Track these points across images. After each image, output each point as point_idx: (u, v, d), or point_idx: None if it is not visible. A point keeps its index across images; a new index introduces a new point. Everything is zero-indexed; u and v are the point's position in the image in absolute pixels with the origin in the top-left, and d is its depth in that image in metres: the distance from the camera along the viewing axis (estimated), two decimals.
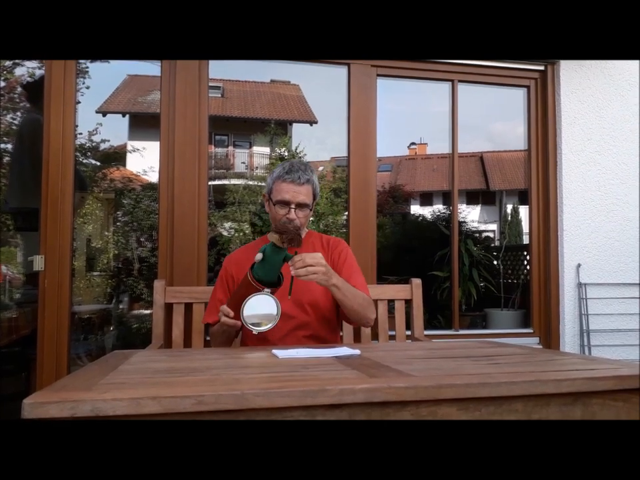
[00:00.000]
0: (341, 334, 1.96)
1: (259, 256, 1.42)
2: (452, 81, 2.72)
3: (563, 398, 0.96)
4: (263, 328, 1.42)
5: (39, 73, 4.28)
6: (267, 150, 11.68)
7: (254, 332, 1.41)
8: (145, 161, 6.78)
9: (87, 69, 4.52)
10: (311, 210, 1.75)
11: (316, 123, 12.66)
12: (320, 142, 14.25)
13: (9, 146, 4.00)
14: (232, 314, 1.49)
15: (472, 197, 17.23)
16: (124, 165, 7.10)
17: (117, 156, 6.84)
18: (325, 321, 1.73)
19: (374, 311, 1.74)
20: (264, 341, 1.63)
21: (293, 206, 1.69)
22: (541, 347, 2.70)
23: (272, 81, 13.71)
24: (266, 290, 1.42)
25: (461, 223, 5.54)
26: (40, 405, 0.77)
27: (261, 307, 1.41)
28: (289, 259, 1.42)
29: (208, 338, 2.02)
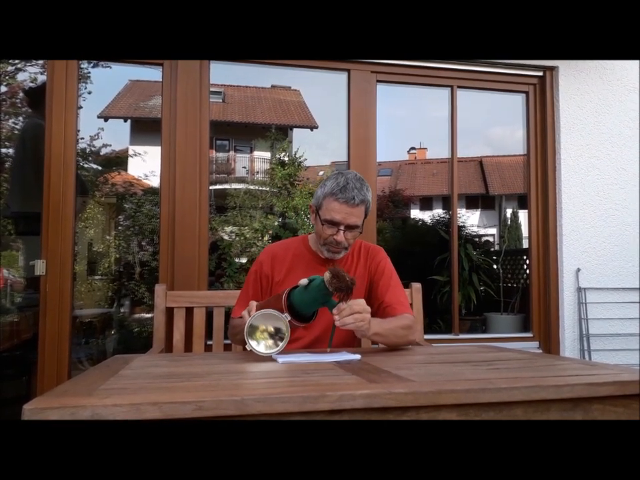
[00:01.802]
0: None
1: (304, 281, 1.29)
2: (451, 86, 2.73)
3: (563, 404, 0.96)
4: (261, 351, 1.26)
5: (40, 78, 4.30)
6: (267, 155, 11.69)
7: (247, 347, 1.26)
8: (146, 165, 6.80)
9: (88, 74, 4.54)
10: (361, 230, 1.63)
11: (316, 128, 12.69)
12: (320, 147, 14.29)
13: (11, 151, 4.01)
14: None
15: (471, 202, 17.24)
16: (125, 169, 7.12)
17: (119, 160, 6.86)
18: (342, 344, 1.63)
19: (415, 330, 1.60)
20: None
21: (342, 227, 1.56)
22: (540, 351, 2.70)
23: (273, 87, 13.75)
24: (286, 315, 1.28)
25: (460, 228, 5.54)
26: (40, 411, 0.77)
27: (269, 325, 1.28)
28: (332, 304, 1.29)
29: (210, 342, 2.03)
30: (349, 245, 1.62)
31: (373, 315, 1.58)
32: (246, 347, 1.27)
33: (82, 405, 0.78)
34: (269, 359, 1.26)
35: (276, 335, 1.28)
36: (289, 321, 1.29)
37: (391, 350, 1.50)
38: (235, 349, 1.90)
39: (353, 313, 1.28)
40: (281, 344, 1.27)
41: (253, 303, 1.40)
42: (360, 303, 1.32)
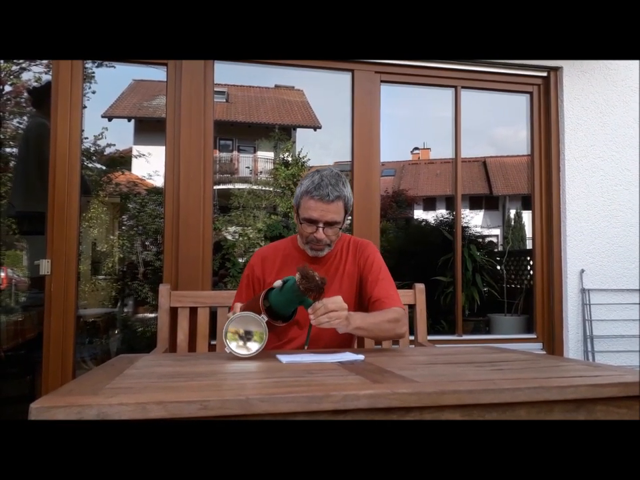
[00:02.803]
0: None
1: (278, 283, 1.33)
2: (455, 87, 2.73)
3: (566, 405, 0.96)
4: (246, 353, 1.29)
5: (44, 77, 4.32)
6: (271, 155, 11.72)
7: (226, 349, 1.29)
8: (150, 165, 6.82)
9: (93, 74, 4.55)
10: (341, 226, 1.63)
11: (320, 128, 12.70)
12: (324, 147, 14.30)
13: (15, 150, 4.03)
14: None
15: (475, 202, 17.20)
16: (129, 169, 7.14)
17: (123, 160, 6.87)
18: (337, 344, 1.65)
19: (404, 324, 1.59)
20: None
21: (321, 225, 1.57)
22: (544, 352, 2.69)
23: (276, 87, 13.78)
24: (262, 316, 1.32)
25: (464, 228, 5.53)
26: (47, 409, 0.78)
27: (250, 327, 1.31)
28: (307, 304, 1.32)
29: (214, 342, 2.03)
30: (330, 241, 1.62)
31: (364, 309, 1.63)
32: (225, 349, 1.30)
33: (88, 403, 0.79)
34: (274, 358, 1.27)
35: (255, 335, 1.31)
36: (267, 322, 1.32)
37: (394, 351, 1.50)
38: None
39: (327, 311, 1.30)
40: (259, 345, 1.30)
41: (238, 306, 1.44)
42: (335, 301, 1.32)
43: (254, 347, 1.30)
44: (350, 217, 2.58)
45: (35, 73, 4.56)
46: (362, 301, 1.69)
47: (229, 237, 6.52)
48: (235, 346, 1.29)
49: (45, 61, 4.02)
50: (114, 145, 6.45)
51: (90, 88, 4.73)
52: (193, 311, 2.00)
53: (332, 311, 1.30)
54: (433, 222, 6.63)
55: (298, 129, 12.92)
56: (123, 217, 6.27)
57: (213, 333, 1.99)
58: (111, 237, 6.06)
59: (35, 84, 4.48)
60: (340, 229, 1.63)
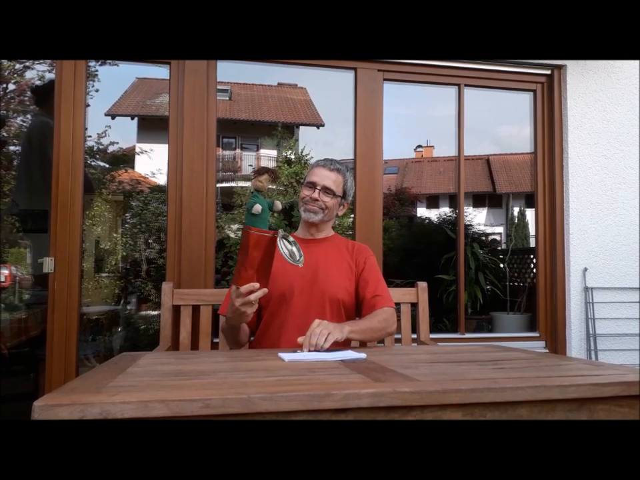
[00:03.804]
0: None
1: (258, 207, 1.48)
2: (458, 85, 2.72)
3: (568, 404, 0.96)
4: (302, 257, 1.52)
5: (48, 76, 4.32)
6: (274, 153, 11.72)
7: (300, 264, 1.51)
8: (153, 163, 6.83)
9: (96, 72, 4.56)
10: (337, 199, 1.77)
11: (323, 126, 12.70)
12: (326, 145, 14.29)
13: (19, 148, 4.04)
14: (257, 285, 1.34)
15: (478, 200, 17.18)
16: (132, 167, 7.16)
17: (126, 158, 6.89)
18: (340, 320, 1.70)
19: (393, 322, 1.70)
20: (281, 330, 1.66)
21: (318, 187, 1.73)
22: (547, 351, 2.69)
23: (279, 84, 13.77)
24: (280, 231, 1.49)
25: (467, 226, 5.53)
26: (50, 408, 0.78)
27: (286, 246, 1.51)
28: (270, 205, 1.53)
29: (216, 340, 2.04)
30: (325, 207, 1.74)
31: (358, 308, 1.75)
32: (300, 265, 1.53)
33: (91, 402, 0.79)
34: (275, 357, 1.28)
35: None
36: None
37: (396, 349, 1.50)
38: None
39: (315, 332, 1.36)
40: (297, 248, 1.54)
41: (246, 287, 1.36)
42: (319, 325, 1.39)
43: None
44: (352, 215, 2.58)
45: (39, 71, 4.57)
46: (357, 298, 1.77)
47: (232, 235, 6.53)
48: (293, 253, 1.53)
49: (48, 60, 4.02)
50: (117, 142, 6.47)
51: (93, 86, 4.74)
52: (196, 309, 2.00)
53: (316, 328, 1.37)
54: (435, 220, 6.62)
55: (301, 127, 12.92)
56: (126, 214, 6.28)
57: (215, 331, 2.00)
58: (114, 235, 6.07)
59: (38, 82, 4.49)
60: (336, 198, 1.76)
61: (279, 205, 1.56)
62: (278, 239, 1.45)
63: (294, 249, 1.52)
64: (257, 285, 1.34)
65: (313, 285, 1.68)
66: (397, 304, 2.10)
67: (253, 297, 1.35)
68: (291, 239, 1.54)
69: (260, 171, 1.51)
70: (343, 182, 1.78)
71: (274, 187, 8.73)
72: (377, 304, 1.68)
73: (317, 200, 1.72)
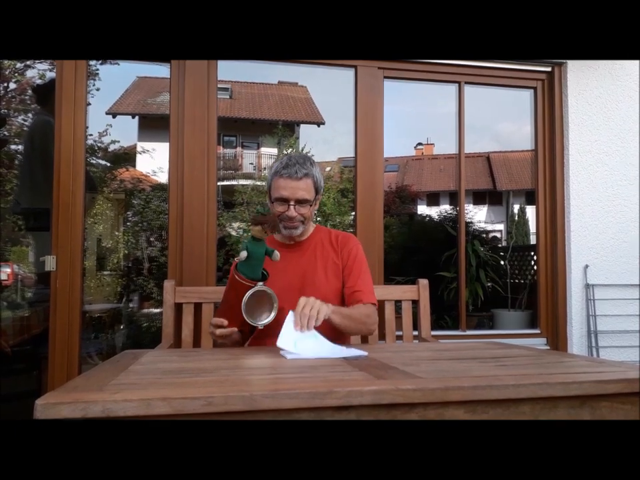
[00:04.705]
0: None
1: (244, 254, 1.38)
2: (459, 82, 2.72)
3: (570, 401, 0.96)
4: (267, 320, 1.39)
5: (49, 75, 4.33)
6: (274, 151, 11.72)
7: (260, 326, 1.39)
8: (154, 161, 6.83)
9: (97, 71, 4.56)
10: (312, 204, 1.67)
11: (323, 124, 12.68)
12: (327, 143, 14.30)
13: (20, 147, 4.04)
14: (225, 323, 1.43)
15: (479, 197, 17.16)
16: (134, 165, 7.16)
17: (127, 157, 6.89)
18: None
19: (375, 321, 1.67)
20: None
21: (292, 202, 1.61)
22: (548, 348, 2.69)
23: (280, 83, 13.75)
24: (259, 284, 1.38)
25: (467, 224, 5.53)
26: (52, 406, 0.78)
27: (258, 302, 1.39)
28: (269, 252, 1.42)
29: None
30: (304, 219, 1.65)
31: (343, 301, 1.70)
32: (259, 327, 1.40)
33: (93, 400, 0.79)
34: (278, 354, 1.28)
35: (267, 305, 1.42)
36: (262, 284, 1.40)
37: (398, 346, 1.50)
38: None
39: (302, 309, 1.35)
40: (274, 302, 1.40)
41: (215, 320, 1.46)
42: (308, 303, 1.38)
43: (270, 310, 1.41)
44: (353, 213, 2.58)
45: (39, 70, 4.58)
46: (342, 293, 1.73)
47: (233, 233, 6.53)
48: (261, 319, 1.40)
49: (49, 60, 4.03)
50: (118, 141, 6.47)
51: (94, 85, 4.75)
52: (198, 307, 2.01)
53: (304, 308, 1.36)
54: (436, 217, 6.62)
55: (301, 125, 12.91)
56: (128, 213, 6.29)
57: None
58: (116, 233, 6.08)
59: (39, 81, 4.49)
60: (312, 204, 1.67)
61: (277, 255, 1.44)
62: (249, 293, 1.36)
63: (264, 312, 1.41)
64: (225, 322, 1.43)
65: (303, 295, 1.60)
66: (398, 301, 2.11)
67: (217, 332, 1.45)
68: (269, 291, 1.41)
69: (255, 221, 1.39)
70: (313, 182, 1.65)
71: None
72: (364, 297, 1.65)
73: (294, 217, 1.62)
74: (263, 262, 1.42)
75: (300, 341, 1.31)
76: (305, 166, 1.63)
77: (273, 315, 1.40)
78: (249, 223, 1.40)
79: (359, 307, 1.62)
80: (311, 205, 1.66)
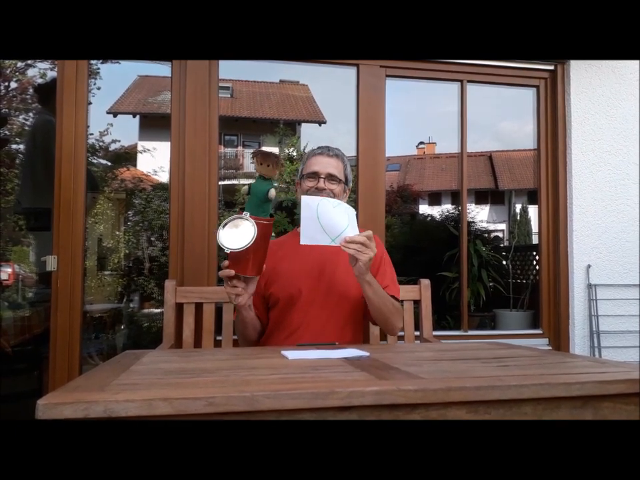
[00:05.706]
0: None
1: (245, 189, 1.39)
2: (461, 81, 2.71)
3: (573, 401, 0.95)
4: (237, 246, 1.30)
5: (50, 74, 4.33)
6: (276, 150, 11.71)
7: (226, 250, 1.31)
8: (155, 161, 6.83)
9: (98, 70, 4.56)
10: (342, 185, 1.69)
11: (324, 123, 12.68)
12: (329, 142, 14.23)
13: (21, 146, 4.05)
14: (232, 273, 1.38)
15: (481, 197, 17.16)
16: (134, 165, 7.16)
17: (128, 156, 6.90)
18: (351, 319, 1.68)
19: (401, 320, 1.69)
20: (293, 334, 1.62)
21: (322, 176, 1.64)
22: (550, 348, 2.68)
23: (281, 82, 13.76)
24: (245, 213, 1.35)
25: (469, 223, 5.51)
26: (54, 406, 0.78)
27: (238, 229, 1.34)
28: (269, 189, 1.40)
29: (219, 337, 2.04)
30: (333, 195, 1.64)
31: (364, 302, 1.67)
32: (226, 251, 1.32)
33: (94, 400, 0.79)
34: (279, 354, 1.27)
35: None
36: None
37: (400, 347, 1.50)
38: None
39: (362, 242, 1.36)
40: (253, 234, 1.32)
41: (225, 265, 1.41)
42: (373, 241, 1.39)
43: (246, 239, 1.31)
44: (355, 212, 2.57)
45: (41, 69, 4.58)
46: None
47: None
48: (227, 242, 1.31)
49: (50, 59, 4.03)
50: (119, 140, 6.47)
51: (95, 84, 4.74)
52: (199, 307, 2.00)
53: (365, 246, 1.36)
54: (438, 217, 6.61)
55: (303, 124, 12.91)
56: (129, 212, 6.29)
57: (218, 329, 2.00)
58: (117, 233, 6.08)
59: (41, 80, 4.49)
60: (341, 185, 1.68)
61: (272, 193, 1.40)
62: (230, 218, 1.33)
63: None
64: (232, 272, 1.37)
65: (323, 285, 1.64)
66: (400, 301, 2.10)
67: (221, 272, 1.39)
68: (250, 220, 1.36)
69: (257, 156, 1.39)
70: (343, 167, 1.72)
71: (276, 184, 8.72)
72: (390, 291, 1.64)
73: (324, 189, 1.63)
74: (268, 200, 1.40)
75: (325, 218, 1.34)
76: (339, 151, 1.73)
77: (245, 244, 1.31)
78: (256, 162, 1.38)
79: (393, 299, 1.63)
80: (340, 184, 1.68)
